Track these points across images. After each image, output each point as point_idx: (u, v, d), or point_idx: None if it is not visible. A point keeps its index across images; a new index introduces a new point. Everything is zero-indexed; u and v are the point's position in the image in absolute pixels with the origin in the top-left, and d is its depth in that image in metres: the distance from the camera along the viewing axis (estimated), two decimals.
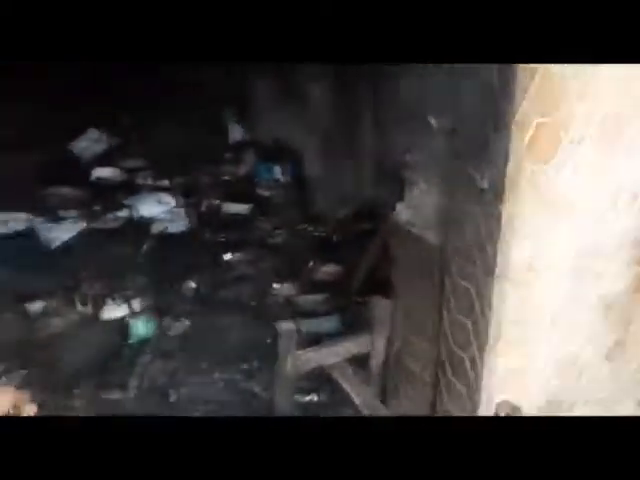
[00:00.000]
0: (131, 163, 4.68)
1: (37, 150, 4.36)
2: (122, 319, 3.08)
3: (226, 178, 4.58)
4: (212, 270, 3.56)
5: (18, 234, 3.70)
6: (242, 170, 4.61)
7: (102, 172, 4.51)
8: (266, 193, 4.43)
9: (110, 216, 4.03)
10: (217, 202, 4.29)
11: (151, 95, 4.94)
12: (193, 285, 3.39)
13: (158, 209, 4.15)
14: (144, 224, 4.01)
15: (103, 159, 4.72)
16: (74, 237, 3.73)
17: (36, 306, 3.07)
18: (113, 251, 3.69)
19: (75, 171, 4.50)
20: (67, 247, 3.67)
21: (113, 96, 4.93)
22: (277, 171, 4.49)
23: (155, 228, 3.96)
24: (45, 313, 3.07)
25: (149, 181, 4.52)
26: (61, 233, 3.69)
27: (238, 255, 3.71)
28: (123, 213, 4.08)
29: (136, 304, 3.19)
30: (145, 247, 3.73)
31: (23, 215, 3.82)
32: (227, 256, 3.67)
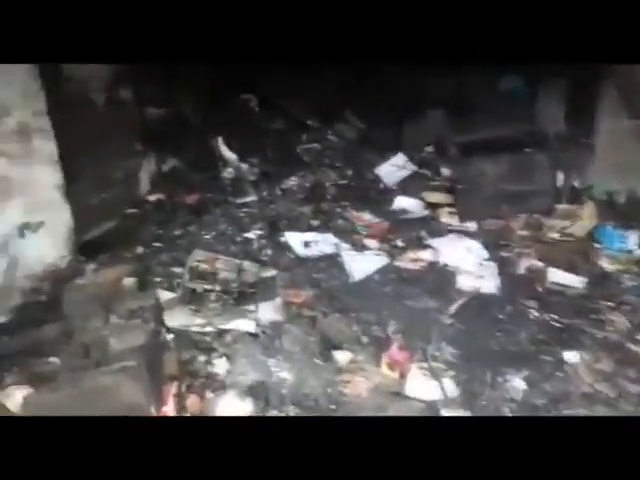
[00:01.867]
0: (435, 197, 3.91)
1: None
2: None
3: (556, 235, 3.44)
4: (540, 364, 2.45)
5: (324, 257, 3.16)
6: (580, 229, 3.42)
7: (405, 203, 3.82)
8: (610, 267, 3.17)
9: (411, 255, 3.26)
10: (541, 265, 3.20)
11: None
12: (521, 385, 2.32)
13: (466, 258, 3.24)
14: (448, 273, 3.14)
15: (407, 188, 4.06)
16: (375, 272, 3.04)
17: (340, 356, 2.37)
18: (415, 299, 2.89)
19: (378, 197, 3.95)
20: (367, 280, 3.00)
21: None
22: (633, 241, 3.21)
23: (463, 282, 3.04)
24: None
25: (454, 221, 3.66)
26: (364, 265, 3.03)
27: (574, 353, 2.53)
28: (426, 254, 3.27)
29: (449, 384, 2.28)
30: (454, 306, 2.83)
31: (332, 238, 3.30)
32: (567, 355, 2.51)
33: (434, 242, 3.38)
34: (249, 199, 3.94)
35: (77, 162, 3.30)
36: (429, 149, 4.74)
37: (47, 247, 2.78)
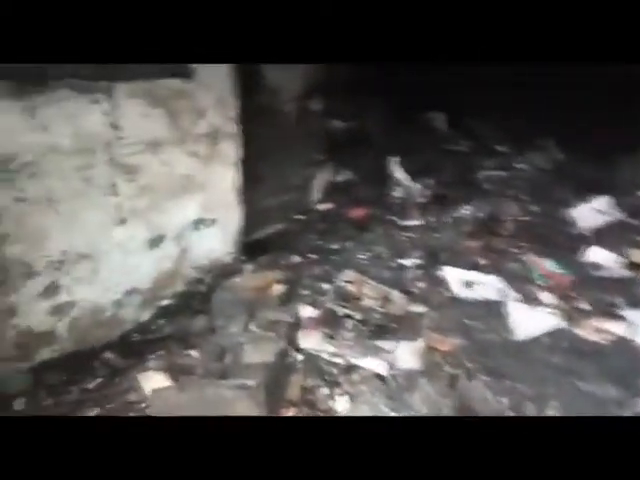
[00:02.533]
0: None
1: None
2: None
3: None
4: None
5: (484, 302, 2.78)
6: None
7: (600, 256, 3.18)
8: None
9: (596, 323, 2.67)
10: None
11: None
12: None
13: None
14: None
15: (605, 238, 3.40)
16: (545, 334, 2.55)
17: None
18: (590, 381, 2.33)
19: (567, 243, 3.38)
20: (532, 342, 2.54)
21: None
22: None
23: None
24: None
25: None
26: (533, 323, 2.55)
27: None
28: (617, 327, 2.65)
29: None
30: None
31: (499, 282, 2.90)
32: None
33: (630, 314, 2.72)
34: (413, 223, 3.70)
35: (260, 166, 3.47)
36: None
37: (216, 242, 2.92)
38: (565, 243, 3.42)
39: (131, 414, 1.96)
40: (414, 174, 4.26)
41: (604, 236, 3.44)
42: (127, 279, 2.43)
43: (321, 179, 4.14)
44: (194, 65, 2.53)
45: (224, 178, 2.85)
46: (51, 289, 2.13)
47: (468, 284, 2.92)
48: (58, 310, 2.17)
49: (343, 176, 4.37)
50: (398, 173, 3.98)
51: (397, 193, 3.95)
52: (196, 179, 2.67)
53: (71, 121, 2.06)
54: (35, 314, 2.09)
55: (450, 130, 4.98)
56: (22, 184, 1.94)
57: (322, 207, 4.05)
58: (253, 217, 3.33)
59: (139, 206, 2.40)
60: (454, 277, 2.97)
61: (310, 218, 3.90)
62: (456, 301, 2.79)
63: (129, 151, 2.28)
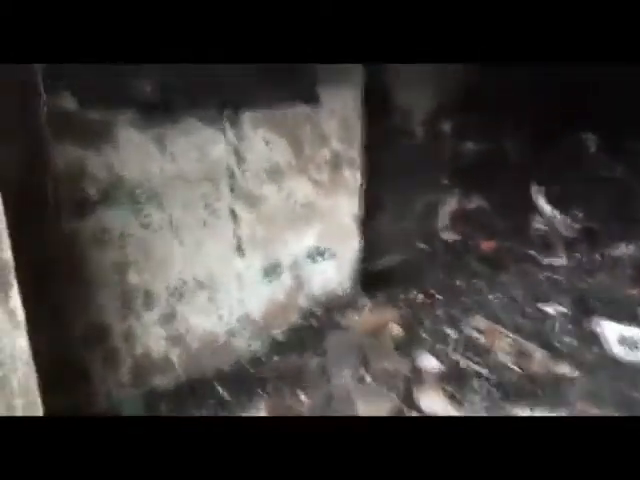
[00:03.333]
0: None
1: None
2: None
3: None
4: None
5: None
6: None
7: None
8: None
9: None
10: None
11: None
12: None
13: None
14: None
15: None
16: None
17: None
18: None
19: None
20: None
21: None
22: None
23: None
24: None
25: None
26: None
27: None
28: None
29: None
30: None
31: None
32: None
33: None
34: (559, 262, 3.20)
35: (383, 191, 3.27)
36: None
37: (333, 273, 2.77)
38: None
39: None
40: (559, 204, 3.73)
41: None
42: (241, 308, 2.36)
43: (449, 206, 3.80)
44: (319, 90, 2.41)
45: (344, 207, 2.69)
46: (169, 317, 2.12)
47: (629, 342, 2.40)
48: (174, 338, 2.16)
49: (474, 203, 3.98)
50: (541, 202, 3.50)
51: (538, 225, 3.46)
52: (316, 208, 2.55)
53: (197, 150, 2.03)
54: (152, 341, 2.09)
55: (603, 153, 4.31)
56: (148, 212, 1.94)
57: (448, 237, 3.71)
58: (374, 246, 3.14)
59: (258, 236, 2.33)
60: (611, 332, 2.46)
61: (434, 248, 3.59)
62: (614, 363, 2.30)
63: (251, 180, 2.21)
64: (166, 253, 2.03)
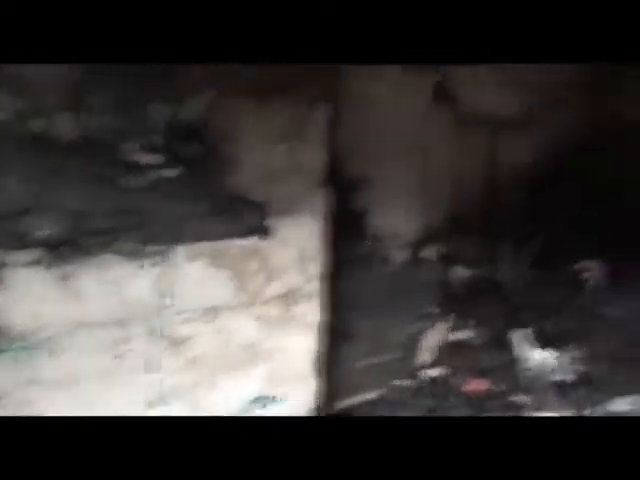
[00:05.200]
0: None
1: None
2: None
3: None
4: None
5: None
6: None
7: None
8: None
9: None
10: None
11: None
12: None
13: None
14: None
15: None
16: None
17: None
18: None
19: None
20: None
21: None
22: None
23: None
24: None
25: None
26: None
27: None
28: None
29: None
30: None
31: None
32: None
33: None
34: (548, 414, 2.77)
35: (354, 322, 2.99)
36: None
37: None
38: None
39: None
40: (554, 342, 3.35)
41: None
42: None
43: (433, 337, 3.46)
44: (272, 221, 2.22)
45: (298, 346, 2.39)
46: None
47: None
48: None
49: (463, 334, 3.63)
50: (526, 346, 3.14)
51: (527, 369, 3.08)
52: (262, 348, 2.25)
53: (112, 288, 1.80)
54: None
55: (604, 285, 3.99)
56: (38, 362, 1.67)
57: (432, 372, 3.33)
58: (341, 383, 2.80)
59: (184, 383, 2.02)
60: None
61: (413, 386, 3.20)
62: None
63: (178, 320, 1.95)
64: (57, 412, 1.73)
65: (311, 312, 2.46)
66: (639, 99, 4.02)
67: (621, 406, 2.82)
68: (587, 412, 2.81)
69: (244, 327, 2.21)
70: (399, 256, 3.37)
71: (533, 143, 4.16)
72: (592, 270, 4.19)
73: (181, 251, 1.99)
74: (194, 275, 2.03)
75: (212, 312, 2.10)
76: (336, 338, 2.81)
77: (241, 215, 2.14)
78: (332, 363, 2.78)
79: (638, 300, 3.94)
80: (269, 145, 2.14)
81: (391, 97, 3.02)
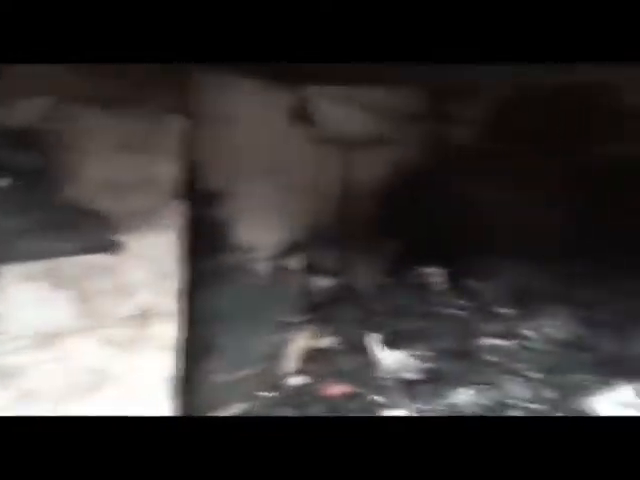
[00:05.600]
0: None
1: None
2: None
3: None
4: None
5: None
6: None
7: None
8: None
9: None
10: None
11: None
12: None
13: None
14: None
15: None
16: None
17: None
18: None
19: None
20: None
21: None
22: None
23: None
24: None
25: None
26: None
27: None
28: None
29: None
30: None
31: None
32: None
33: None
34: (400, 412, 2.99)
35: (213, 338, 2.93)
36: None
37: None
38: None
39: None
40: (405, 343, 3.63)
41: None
42: None
43: (295, 346, 3.53)
44: (122, 236, 2.09)
45: (153, 366, 2.26)
46: None
47: None
48: None
49: (323, 342, 3.77)
50: (377, 349, 3.36)
51: (382, 370, 3.29)
52: (111, 373, 2.09)
53: None
54: None
55: (447, 290, 4.44)
56: None
57: (295, 381, 3.39)
58: (203, 399, 2.71)
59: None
60: None
61: (278, 396, 3.23)
62: None
63: (9, 349, 1.73)
64: None
65: (168, 331, 2.36)
66: (466, 125, 4.59)
67: (464, 397, 3.14)
68: (434, 406, 3.08)
69: (90, 352, 2.04)
70: (262, 268, 3.39)
71: (385, 160, 4.52)
72: (436, 275, 4.65)
73: (12, 271, 1.78)
74: (27, 297, 1.83)
75: (50, 338, 1.91)
76: (197, 355, 2.74)
77: (84, 230, 1.98)
78: (193, 381, 2.70)
79: (474, 301, 4.46)
80: (115, 155, 2.02)
81: (251, 113, 3.06)
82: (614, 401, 2.96)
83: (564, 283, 4.08)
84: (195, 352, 2.66)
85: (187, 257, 2.46)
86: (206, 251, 2.84)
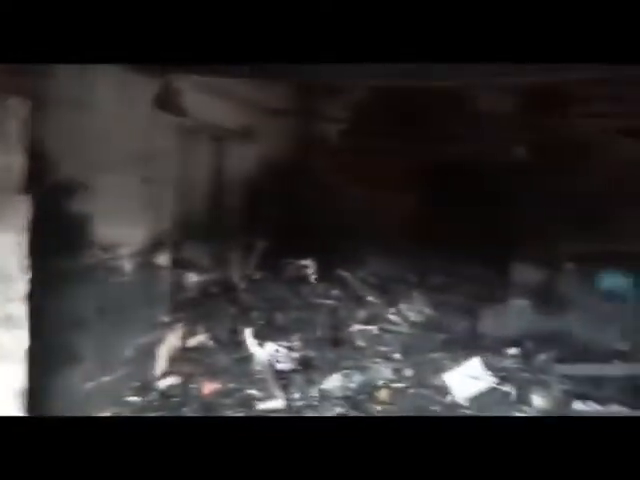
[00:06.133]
0: None
1: None
2: None
3: None
4: None
5: None
6: None
7: None
8: None
9: None
10: None
11: None
12: None
13: None
14: None
15: (484, 408, 3.01)
16: None
17: None
18: None
19: None
20: None
21: None
22: None
23: None
24: None
25: None
26: None
27: None
28: None
29: None
30: None
31: None
32: None
33: None
34: (274, 405, 3.03)
35: (73, 345, 2.69)
36: (512, 351, 3.73)
37: None
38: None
39: None
40: (278, 335, 3.70)
41: (482, 406, 3.05)
42: None
43: (167, 346, 3.40)
44: None
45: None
46: None
47: None
48: None
49: (197, 340, 3.67)
50: (251, 343, 3.38)
51: (256, 363, 3.31)
52: None
53: None
54: None
55: (318, 281, 4.60)
56: None
57: (166, 383, 3.26)
58: (63, 409, 2.49)
59: None
60: None
61: (151, 399, 3.08)
62: None
63: None
64: None
65: (15, 339, 2.12)
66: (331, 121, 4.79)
67: (335, 383, 3.28)
68: (307, 394, 3.17)
69: None
70: (126, 266, 3.19)
71: (254, 153, 4.52)
72: (308, 267, 4.79)
73: None
74: None
75: None
76: (54, 363, 2.50)
77: None
78: (50, 391, 2.46)
79: (344, 290, 4.68)
80: None
81: (109, 99, 2.84)
82: (464, 374, 3.33)
83: (420, 270, 4.47)
84: (51, 360, 2.43)
85: (36, 258, 2.22)
86: (60, 250, 2.59)
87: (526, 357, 3.53)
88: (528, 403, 2.96)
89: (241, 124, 4.32)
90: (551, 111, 4.57)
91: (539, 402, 2.88)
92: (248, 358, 3.43)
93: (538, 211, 4.32)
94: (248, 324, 3.78)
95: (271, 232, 4.42)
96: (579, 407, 2.67)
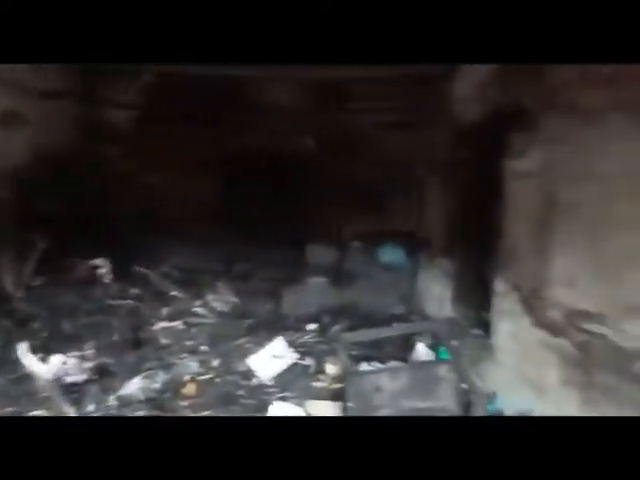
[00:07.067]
0: (320, 408, 3.01)
1: None
2: None
3: None
4: None
5: None
6: None
7: (283, 412, 2.85)
8: None
9: None
10: None
11: None
12: None
13: None
14: None
15: (287, 386, 3.14)
16: None
17: None
18: None
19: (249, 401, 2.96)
20: None
21: None
22: None
23: None
24: None
25: None
26: None
27: None
28: None
29: None
30: None
31: None
32: None
33: None
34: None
35: None
36: (311, 327, 4.00)
37: None
38: (247, 401, 3.02)
39: None
40: (67, 344, 3.31)
41: (285, 383, 3.20)
42: None
43: None
44: None
45: None
46: None
47: None
48: None
49: None
50: (29, 359, 2.96)
51: (38, 380, 2.91)
52: None
53: None
54: None
55: (114, 280, 4.24)
56: None
57: None
58: None
59: None
60: None
61: None
62: None
63: None
64: None
65: None
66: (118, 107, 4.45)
67: (134, 386, 3.07)
68: (103, 404, 2.90)
69: None
70: None
71: (27, 140, 3.93)
72: (103, 267, 4.38)
73: None
74: None
75: None
76: None
77: None
78: None
79: (144, 288, 4.41)
80: None
81: None
82: (268, 355, 3.44)
83: (224, 259, 4.47)
84: None
85: None
86: None
87: (323, 331, 3.81)
88: (323, 372, 3.20)
89: (11, 109, 3.72)
90: (333, 105, 4.97)
91: (331, 369, 3.15)
92: (26, 377, 2.98)
93: (327, 196, 4.68)
94: (27, 337, 3.29)
95: (52, 229, 3.89)
96: (365, 367, 2.99)
